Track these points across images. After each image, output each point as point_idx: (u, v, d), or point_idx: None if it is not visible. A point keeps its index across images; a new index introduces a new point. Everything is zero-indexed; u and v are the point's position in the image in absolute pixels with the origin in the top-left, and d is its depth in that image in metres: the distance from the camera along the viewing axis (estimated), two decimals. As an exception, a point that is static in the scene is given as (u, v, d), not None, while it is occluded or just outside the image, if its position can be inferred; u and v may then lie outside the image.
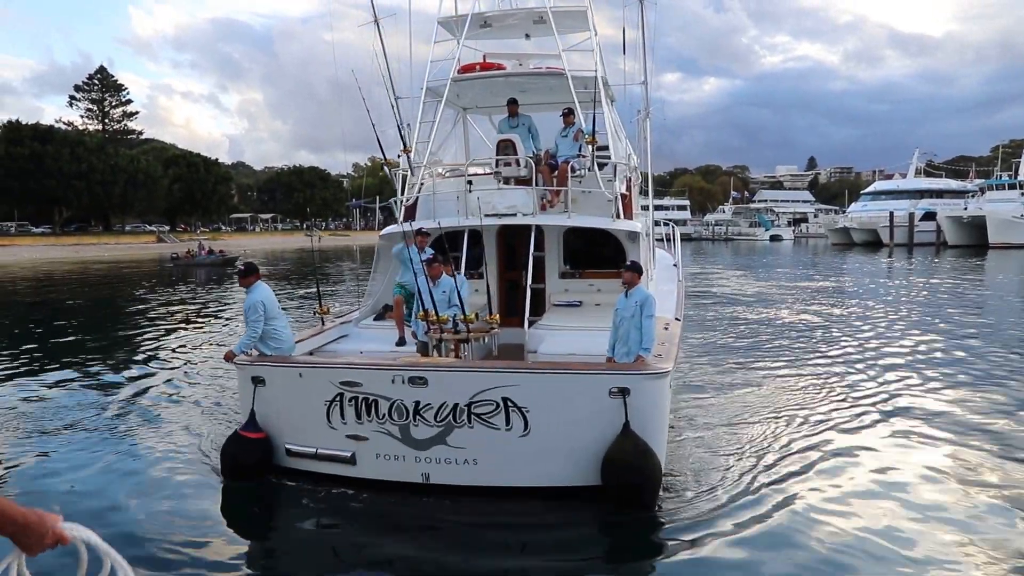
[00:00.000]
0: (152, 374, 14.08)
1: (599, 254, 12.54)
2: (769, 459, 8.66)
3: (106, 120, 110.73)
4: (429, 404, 7.41)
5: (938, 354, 15.50)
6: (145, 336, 19.36)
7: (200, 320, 22.95)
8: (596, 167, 10.99)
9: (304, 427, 7.98)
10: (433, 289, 9.11)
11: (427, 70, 11.99)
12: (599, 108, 11.04)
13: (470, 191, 10.83)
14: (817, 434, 9.70)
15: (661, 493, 7.43)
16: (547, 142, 12.40)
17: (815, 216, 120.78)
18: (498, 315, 8.91)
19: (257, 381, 8.10)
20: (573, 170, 11.19)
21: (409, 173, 11.66)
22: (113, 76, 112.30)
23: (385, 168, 11.20)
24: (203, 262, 52.48)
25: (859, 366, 14.20)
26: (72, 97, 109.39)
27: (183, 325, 21.83)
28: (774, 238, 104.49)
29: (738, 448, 9.08)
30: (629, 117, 13.92)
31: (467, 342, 8.52)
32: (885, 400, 11.52)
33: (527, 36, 13.08)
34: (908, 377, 13.19)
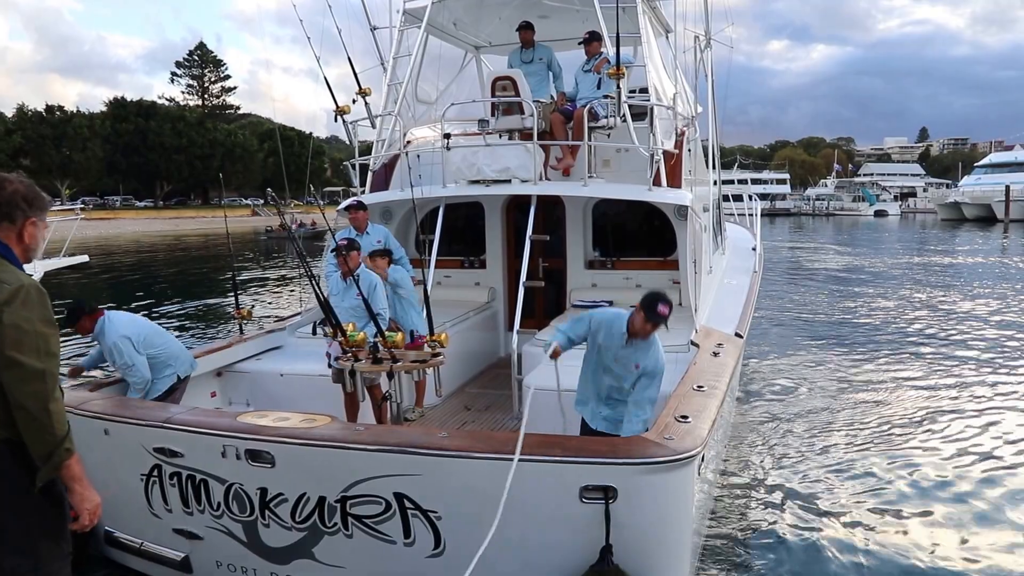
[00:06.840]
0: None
1: (639, 236, 9.40)
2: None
3: (205, 95, 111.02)
4: (281, 495, 4.49)
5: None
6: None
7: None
8: (629, 115, 7.75)
9: (124, 508, 5.17)
10: (344, 290, 6.15)
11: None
12: (632, 30, 7.78)
13: (448, 148, 7.75)
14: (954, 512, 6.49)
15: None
16: (571, 85, 9.23)
17: (924, 190, 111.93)
18: (445, 335, 5.70)
19: None
20: (595, 117, 7.99)
21: (371, 125, 8.67)
22: (212, 52, 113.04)
23: (341, 119, 8.22)
24: (295, 235, 52.70)
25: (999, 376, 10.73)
26: (173, 73, 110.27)
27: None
28: (879, 213, 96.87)
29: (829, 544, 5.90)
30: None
31: (392, 376, 5.45)
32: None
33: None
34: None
